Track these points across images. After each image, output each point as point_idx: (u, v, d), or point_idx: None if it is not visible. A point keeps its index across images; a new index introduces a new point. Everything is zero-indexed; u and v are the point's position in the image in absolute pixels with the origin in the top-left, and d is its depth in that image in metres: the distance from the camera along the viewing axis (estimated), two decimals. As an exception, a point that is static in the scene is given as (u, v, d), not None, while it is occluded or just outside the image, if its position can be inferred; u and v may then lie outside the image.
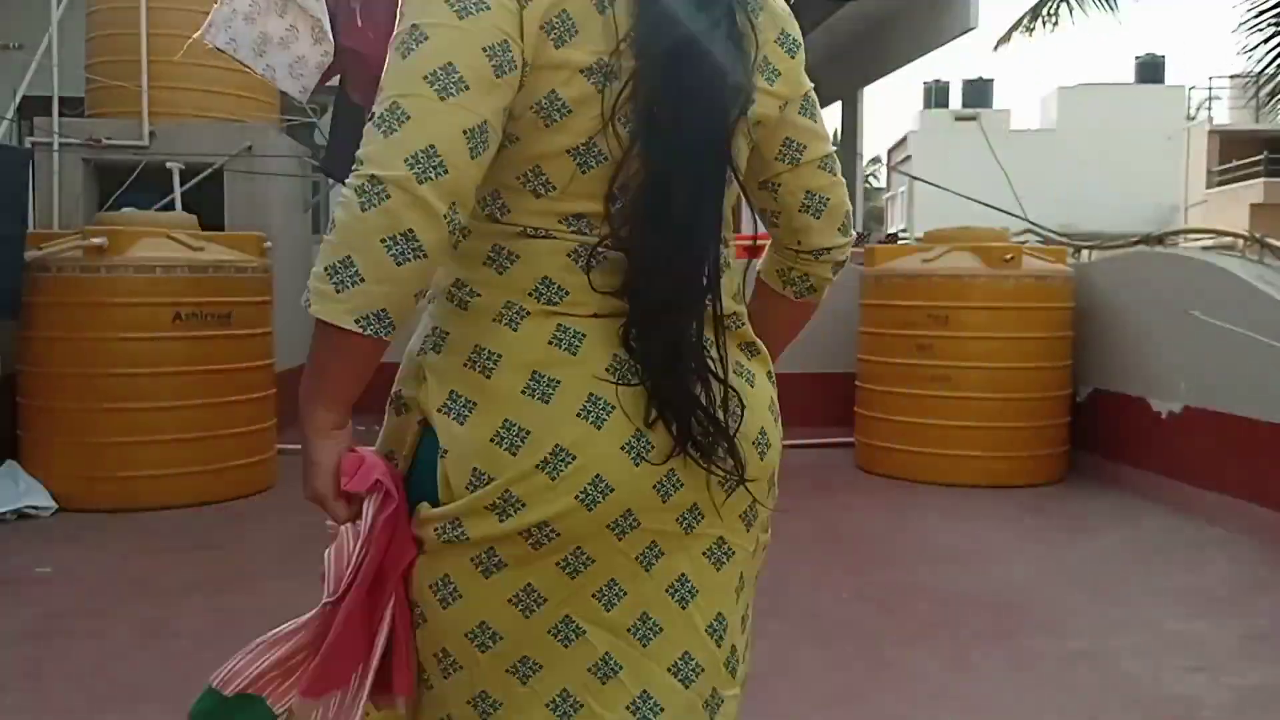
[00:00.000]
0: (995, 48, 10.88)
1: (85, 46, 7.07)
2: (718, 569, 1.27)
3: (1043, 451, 5.92)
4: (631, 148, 1.14)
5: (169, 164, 6.48)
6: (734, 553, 1.29)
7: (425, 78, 1.08)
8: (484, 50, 1.09)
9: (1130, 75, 32.87)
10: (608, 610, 1.20)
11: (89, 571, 4.09)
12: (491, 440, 1.15)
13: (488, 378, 1.17)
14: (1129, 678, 3.14)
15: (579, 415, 1.15)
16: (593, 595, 1.19)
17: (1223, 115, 28.69)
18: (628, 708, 1.21)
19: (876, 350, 6.20)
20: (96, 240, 4.95)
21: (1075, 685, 3.07)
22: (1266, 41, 7.48)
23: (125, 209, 5.53)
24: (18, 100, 6.46)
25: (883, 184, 36.32)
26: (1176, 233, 7.27)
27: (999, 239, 6.11)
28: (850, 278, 6.86)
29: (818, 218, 1.35)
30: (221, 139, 6.70)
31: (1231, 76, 25.63)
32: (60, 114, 6.60)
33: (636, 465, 1.16)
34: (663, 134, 1.14)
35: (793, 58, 1.29)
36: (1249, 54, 7.64)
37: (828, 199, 1.35)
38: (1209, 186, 27.18)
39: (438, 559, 1.20)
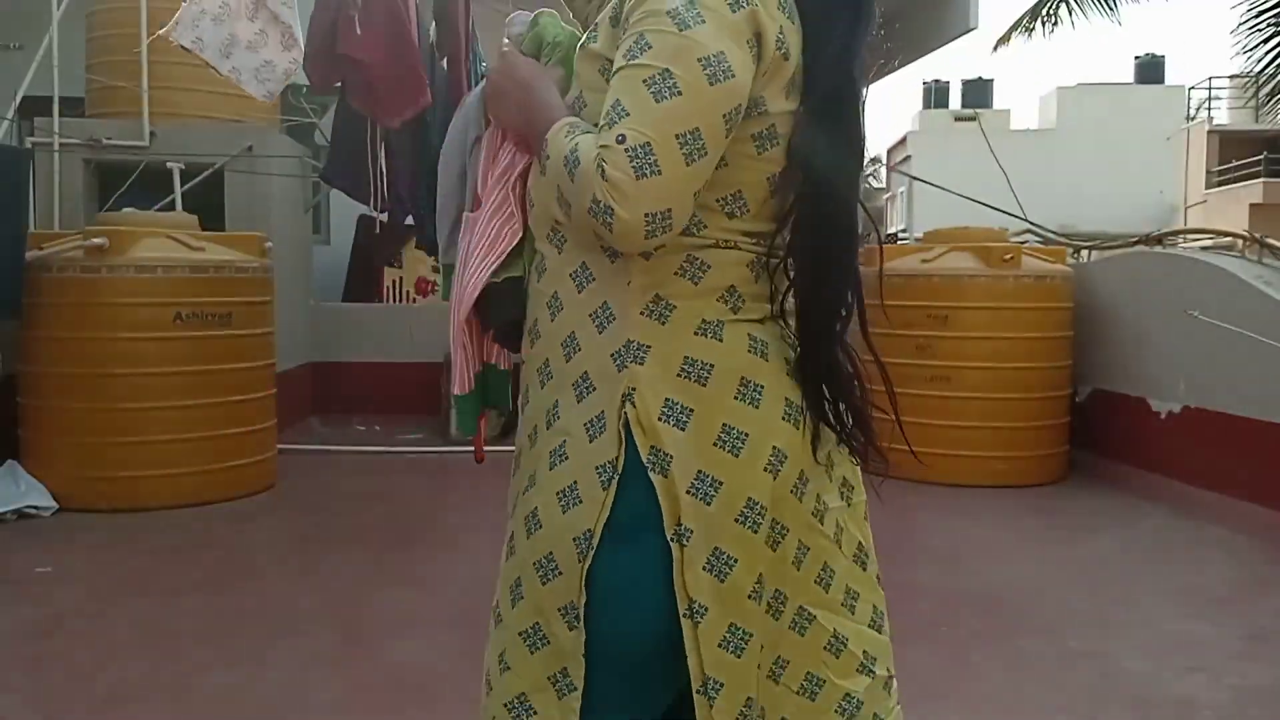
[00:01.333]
0: (995, 48, 10.88)
1: (86, 47, 7.07)
2: (863, 569, 1.50)
3: (1043, 451, 5.92)
4: (808, 176, 1.27)
5: (169, 164, 6.48)
6: (867, 554, 1.53)
7: (677, 136, 1.16)
8: (724, 117, 1.19)
9: (1130, 75, 32.87)
10: (826, 591, 1.36)
11: (89, 571, 4.09)
12: (714, 445, 1.25)
13: (704, 386, 1.26)
14: (1129, 677, 3.14)
15: (783, 419, 1.30)
16: (814, 580, 1.35)
17: (1222, 115, 28.67)
18: (858, 670, 1.38)
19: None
20: (97, 240, 4.96)
21: (1075, 685, 3.08)
22: (1266, 42, 7.49)
23: (126, 209, 5.53)
24: (18, 100, 6.45)
25: (882, 184, 36.30)
26: (1176, 233, 7.26)
27: (998, 239, 6.11)
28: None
29: None
30: (222, 139, 6.70)
31: (1231, 76, 25.61)
32: (61, 114, 6.60)
33: (816, 459, 1.36)
34: (830, 165, 1.27)
35: None
36: (1248, 54, 7.65)
37: None
38: (1208, 186, 27.17)
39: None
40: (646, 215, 1.15)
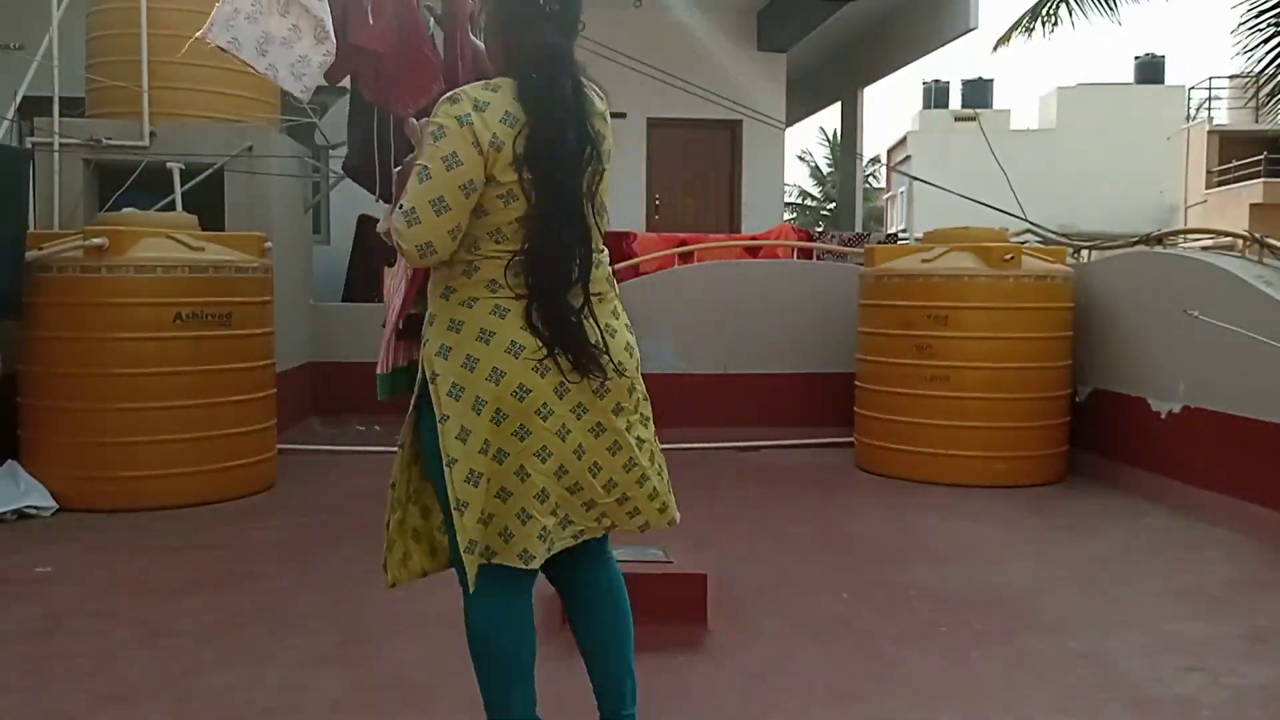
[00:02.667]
0: (994, 48, 10.86)
1: (86, 47, 7.07)
2: (596, 438, 2.21)
3: (1043, 451, 5.92)
4: (537, 214, 2.11)
5: (169, 164, 6.48)
6: (606, 429, 2.21)
7: (430, 202, 2.06)
8: (460, 188, 2.07)
9: (1130, 75, 32.87)
10: (543, 463, 2.15)
11: (89, 571, 4.09)
12: (460, 366, 2.12)
13: (458, 334, 2.14)
14: (1128, 677, 3.14)
15: (505, 351, 2.11)
16: (534, 454, 2.14)
17: (1222, 115, 28.66)
18: (552, 512, 2.19)
19: (876, 350, 6.21)
20: (97, 240, 4.96)
21: (1075, 685, 3.08)
22: (1266, 42, 7.49)
23: (126, 209, 5.53)
24: (18, 100, 6.46)
25: (882, 184, 36.30)
26: (1176, 233, 7.25)
27: (998, 239, 6.12)
28: (849, 278, 6.87)
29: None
30: (222, 139, 6.70)
31: (1231, 77, 25.61)
32: (61, 114, 6.60)
33: (542, 378, 2.12)
34: (548, 205, 2.11)
35: (606, 121, 2.24)
36: (1248, 54, 7.64)
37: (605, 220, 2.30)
38: (1208, 186, 27.16)
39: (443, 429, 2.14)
40: (416, 246, 2.09)
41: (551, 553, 2.20)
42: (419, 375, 2.20)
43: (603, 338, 2.18)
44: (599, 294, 2.21)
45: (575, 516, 2.23)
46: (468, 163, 2.05)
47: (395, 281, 3.00)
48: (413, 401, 2.25)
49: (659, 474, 2.32)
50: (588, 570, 2.38)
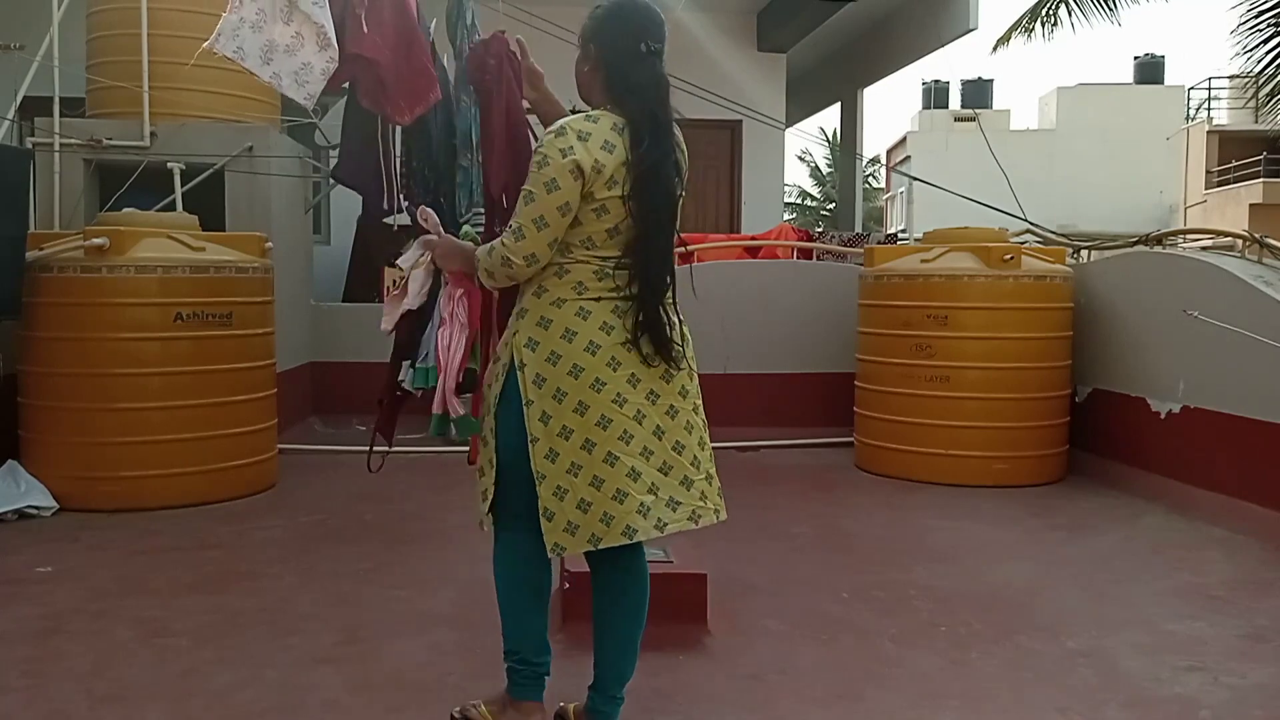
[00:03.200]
0: (994, 49, 10.86)
1: (86, 47, 7.07)
2: (672, 419, 2.48)
3: (1042, 451, 5.93)
4: (639, 230, 2.42)
5: (170, 164, 6.48)
6: (679, 411, 2.50)
7: (534, 221, 2.38)
8: (558, 209, 2.38)
9: (1130, 76, 32.86)
10: (628, 445, 2.41)
11: (89, 571, 4.09)
12: (545, 360, 2.42)
13: (545, 330, 2.43)
14: (1128, 677, 3.14)
15: (584, 350, 2.40)
16: (618, 438, 2.40)
17: (1222, 115, 28.66)
18: (648, 490, 2.42)
19: (876, 350, 6.21)
20: (98, 241, 4.96)
21: (1074, 685, 3.08)
22: (1266, 42, 7.49)
23: (126, 209, 5.53)
24: (19, 100, 6.46)
25: (882, 184, 36.30)
26: (1176, 233, 7.26)
27: (998, 239, 6.12)
28: (849, 278, 6.87)
29: None
30: (222, 140, 6.70)
31: (1231, 77, 25.60)
32: (61, 114, 6.60)
33: (614, 371, 2.41)
34: (649, 223, 2.42)
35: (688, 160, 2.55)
36: (1248, 54, 7.64)
37: None
38: (1208, 187, 27.16)
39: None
40: (524, 257, 2.40)
41: (666, 532, 2.43)
42: (505, 362, 2.50)
43: (681, 329, 2.53)
44: (672, 300, 2.54)
45: (680, 496, 2.46)
46: (565, 188, 2.35)
47: (447, 337, 3.16)
48: (497, 393, 2.51)
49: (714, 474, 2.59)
50: (626, 558, 2.54)
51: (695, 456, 2.49)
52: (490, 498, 2.50)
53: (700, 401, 2.57)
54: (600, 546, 2.39)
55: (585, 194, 2.36)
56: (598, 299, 2.41)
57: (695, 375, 2.58)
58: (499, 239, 2.44)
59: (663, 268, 2.44)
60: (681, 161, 2.49)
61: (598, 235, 2.41)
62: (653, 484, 2.41)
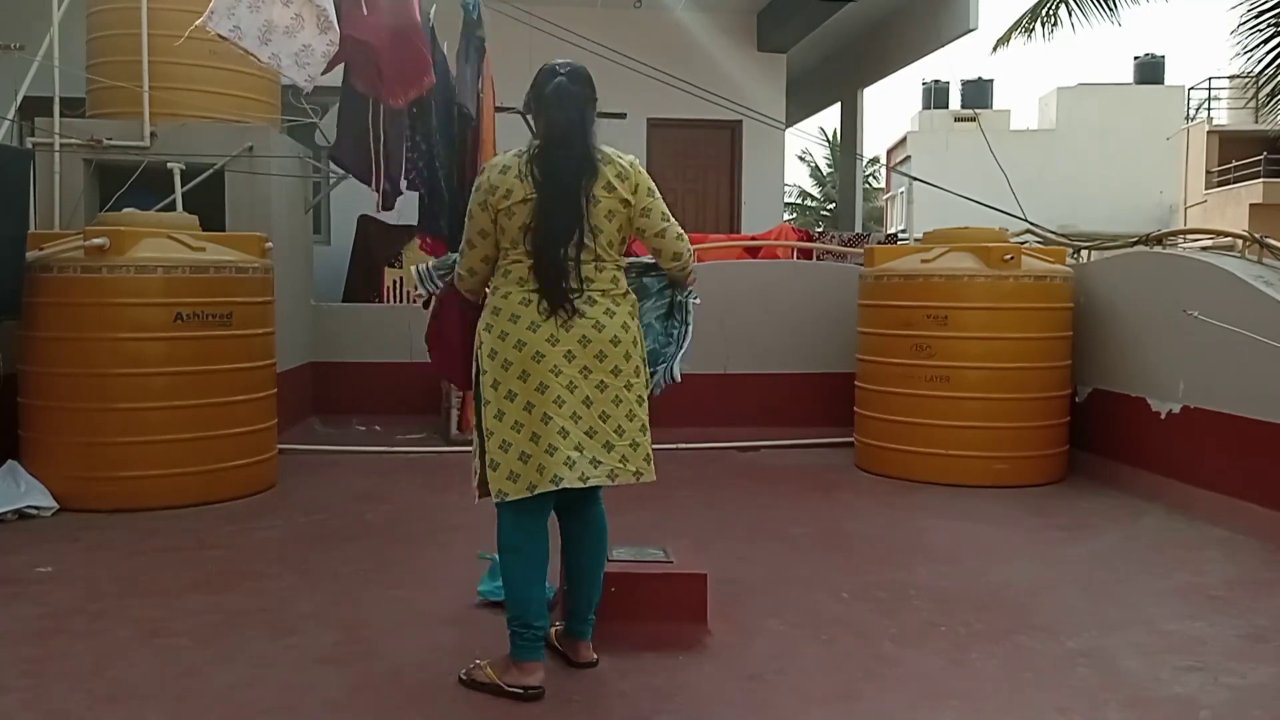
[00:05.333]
0: (994, 49, 10.87)
1: (86, 47, 7.07)
2: (600, 392, 2.88)
3: (1043, 451, 5.93)
4: (535, 237, 2.86)
5: (170, 164, 6.48)
6: (607, 386, 2.88)
7: (467, 239, 2.97)
8: (479, 233, 2.95)
9: (1130, 76, 32.86)
10: (560, 408, 2.83)
11: (89, 571, 4.09)
12: (497, 337, 2.87)
13: (496, 315, 2.89)
14: (1128, 677, 3.14)
15: (527, 328, 2.84)
16: (553, 402, 2.82)
17: (1222, 115, 28.66)
18: (575, 449, 2.84)
19: (876, 350, 6.21)
20: (98, 241, 4.96)
21: (1074, 685, 3.08)
22: (1266, 42, 7.49)
23: (126, 209, 5.53)
24: (19, 100, 6.46)
25: (882, 184, 36.30)
26: (1176, 233, 7.26)
27: (998, 239, 6.12)
28: (849, 278, 6.87)
29: (661, 254, 3.15)
30: (222, 139, 6.70)
31: (1231, 77, 25.60)
32: (61, 114, 6.60)
33: (554, 346, 2.84)
34: (547, 225, 2.86)
35: (625, 181, 2.95)
36: (1248, 55, 7.65)
37: (662, 247, 3.11)
38: (1208, 187, 27.16)
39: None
40: (465, 269, 3.02)
41: (588, 483, 2.84)
42: (475, 346, 2.98)
43: (584, 310, 2.88)
44: (601, 290, 2.92)
45: (601, 456, 2.86)
46: (478, 217, 2.93)
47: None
48: (474, 373, 2.98)
49: (644, 432, 2.96)
50: (584, 508, 3.06)
51: (620, 426, 2.88)
52: (478, 474, 2.94)
53: (636, 381, 2.94)
54: (534, 492, 2.81)
55: (497, 213, 2.89)
56: (521, 281, 2.88)
57: (633, 359, 2.94)
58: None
59: (557, 268, 2.85)
60: (589, 196, 2.88)
61: (516, 238, 2.88)
62: (579, 443, 2.82)
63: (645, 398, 2.97)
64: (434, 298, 3.24)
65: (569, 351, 2.84)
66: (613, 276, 2.95)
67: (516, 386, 2.83)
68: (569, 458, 2.80)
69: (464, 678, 2.97)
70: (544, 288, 2.84)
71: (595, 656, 3.13)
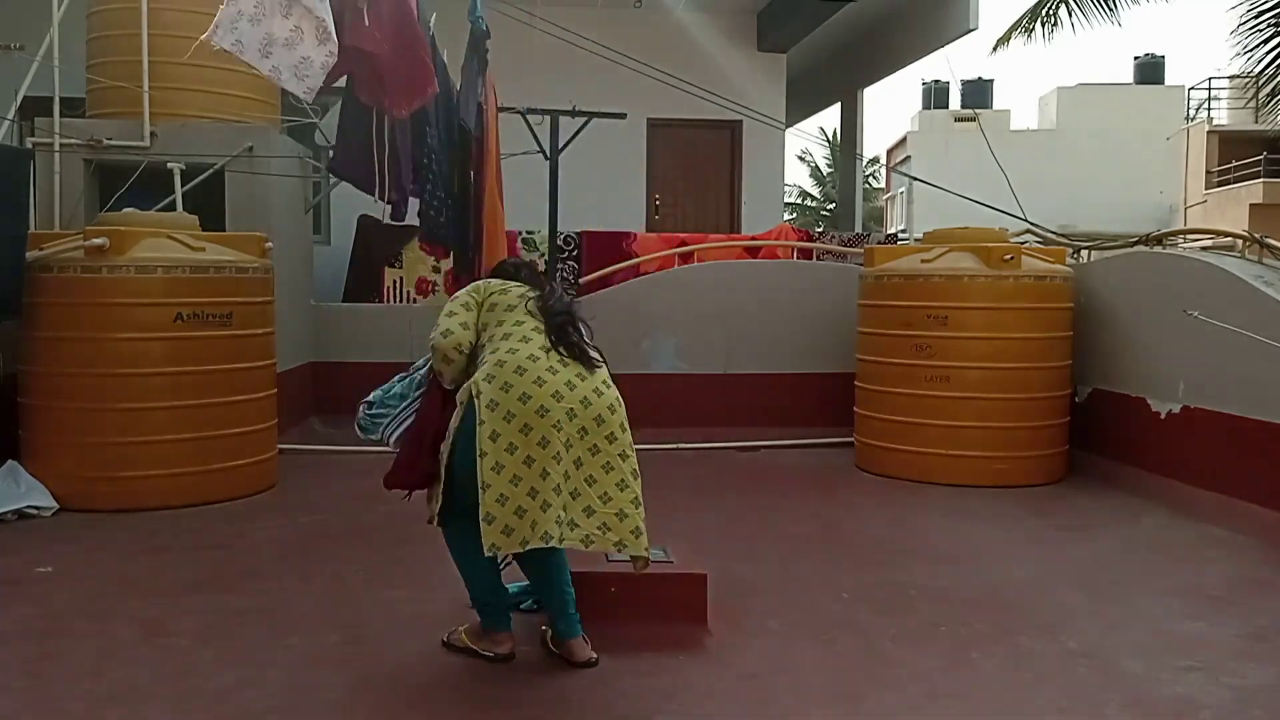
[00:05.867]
0: (994, 49, 10.86)
1: (86, 47, 7.07)
2: (593, 456, 2.95)
3: (1043, 451, 5.93)
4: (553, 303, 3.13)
5: (170, 165, 6.48)
6: (599, 451, 2.95)
7: (447, 331, 3.09)
8: (460, 325, 3.10)
9: (1130, 76, 32.85)
10: (558, 464, 2.88)
11: (89, 571, 4.09)
12: (499, 389, 2.90)
13: (500, 367, 2.94)
14: (1128, 677, 3.14)
15: (533, 382, 2.92)
16: (551, 457, 2.87)
17: (1222, 115, 28.65)
18: (571, 494, 2.91)
19: (876, 350, 6.21)
20: (98, 241, 4.96)
21: (1075, 685, 3.08)
22: (1266, 42, 7.49)
23: (126, 209, 5.53)
24: (19, 101, 6.45)
25: (882, 184, 36.29)
26: (1176, 233, 7.26)
27: (998, 239, 6.12)
28: (849, 278, 6.88)
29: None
30: (222, 140, 6.70)
31: (1231, 77, 25.60)
32: (61, 114, 6.60)
33: (559, 402, 2.91)
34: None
35: None
36: (1248, 55, 7.65)
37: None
38: (1208, 187, 27.15)
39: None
40: (452, 346, 3.08)
41: (564, 544, 2.88)
42: (464, 399, 2.99)
43: (589, 372, 3.03)
44: (600, 357, 3.11)
45: (579, 520, 2.88)
46: (464, 315, 3.13)
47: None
48: (455, 424, 2.99)
49: (639, 511, 2.96)
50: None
51: (606, 493, 2.92)
52: (439, 503, 3.08)
53: (630, 452, 2.99)
54: (526, 549, 2.85)
55: (485, 300, 3.15)
56: (524, 342, 3.01)
57: (628, 432, 3.01)
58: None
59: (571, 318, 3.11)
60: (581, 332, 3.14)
61: (515, 304, 3.12)
62: (564, 504, 2.87)
63: (638, 471, 3.00)
64: (419, 402, 3.26)
65: (571, 410, 2.90)
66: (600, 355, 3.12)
67: (518, 440, 2.85)
68: (559, 515, 2.84)
69: (445, 641, 3.26)
70: (563, 341, 3.00)
71: (594, 655, 3.13)
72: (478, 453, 2.84)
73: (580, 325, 3.11)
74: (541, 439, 2.85)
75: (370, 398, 3.38)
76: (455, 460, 2.99)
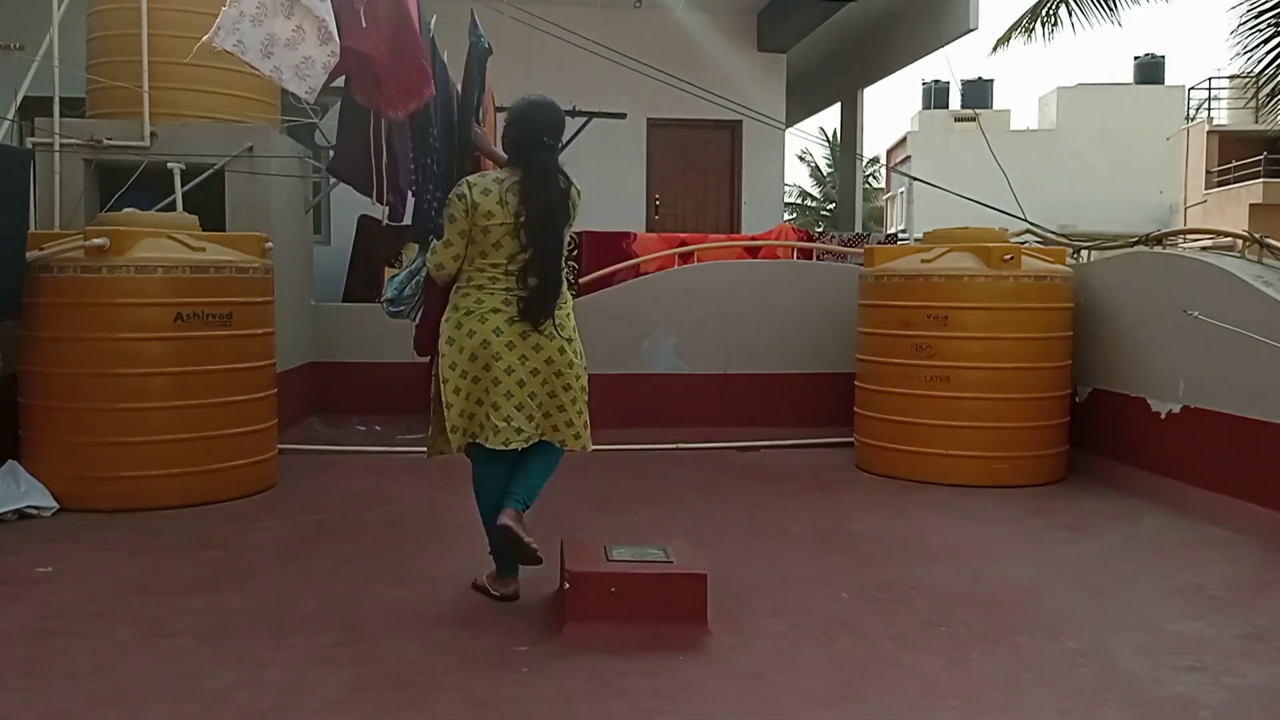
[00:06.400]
0: (994, 49, 10.88)
1: (86, 47, 7.07)
2: (534, 377, 3.58)
3: (1043, 451, 5.93)
4: (532, 250, 3.57)
5: (170, 165, 6.48)
6: (538, 372, 3.58)
7: (448, 239, 3.63)
8: (459, 234, 3.61)
9: (1130, 76, 32.86)
10: (498, 385, 3.55)
11: (89, 571, 4.09)
12: (455, 328, 3.58)
13: (457, 311, 3.61)
14: (1128, 677, 3.14)
15: (479, 321, 3.56)
16: (493, 380, 3.56)
17: (1222, 115, 28.65)
18: (505, 421, 3.56)
19: (876, 350, 6.21)
20: (98, 241, 4.96)
21: (1075, 685, 3.08)
22: (1266, 42, 7.50)
23: (126, 209, 5.53)
24: (19, 101, 6.46)
25: (882, 184, 36.29)
26: (1176, 233, 7.26)
27: (998, 239, 6.12)
28: (849, 278, 6.88)
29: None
30: (222, 140, 6.70)
31: (1231, 77, 25.60)
32: (61, 114, 6.60)
33: (497, 337, 3.55)
34: (538, 239, 3.57)
35: (575, 208, 3.69)
36: (1248, 55, 7.65)
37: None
38: (1208, 187, 27.16)
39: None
40: (434, 265, 3.69)
41: (511, 445, 3.54)
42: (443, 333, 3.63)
43: (567, 312, 3.69)
44: (561, 307, 3.65)
45: (524, 426, 3.56)
46: (459, 221, 3.56)
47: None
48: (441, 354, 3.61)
49: (580, 415, 3.69)
50: (542, 449, 3.69)
51: (553, 405, 3.61)
52: (442, 431, 3.63)
53: (576, 372, 3.64)
54: (473, 441, 3.59)
55: (473, 225, 3.52)
56: (491, 292, 3.56)
57: (575, 365, 3.64)
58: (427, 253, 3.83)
59: (553, 274, 3.58)
60: (571, 207, 3.65)
61: (487, 250, 3.55)
62: (508, 415, 3.53)
63: (585, 396, 3.69)
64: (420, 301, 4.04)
65: (523, 356, 3.55)
66: (565, 292, 3.68)
67: (469, 367, 3.53)
68: (505, 419, 3.52)
69: (476, 585, 3.80)
70: (531, 308, 3.54)
71: (511, 525, 3.49)
72: (441, 379, 3.60)
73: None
74: (485, 366, 3.54)
75: (389, 296, 4.37)
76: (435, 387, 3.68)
